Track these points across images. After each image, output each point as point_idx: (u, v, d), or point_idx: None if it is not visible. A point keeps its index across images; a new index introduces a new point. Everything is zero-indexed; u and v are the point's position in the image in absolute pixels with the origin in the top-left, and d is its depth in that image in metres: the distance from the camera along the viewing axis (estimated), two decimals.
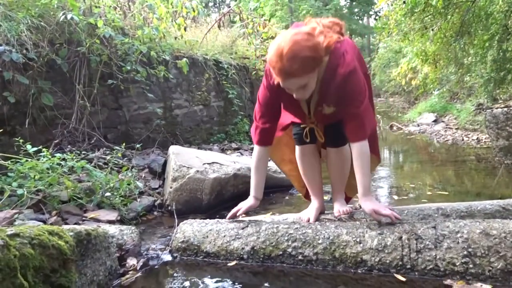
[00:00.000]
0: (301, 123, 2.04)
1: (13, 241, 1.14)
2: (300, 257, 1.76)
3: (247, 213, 2.17)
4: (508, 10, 4.79)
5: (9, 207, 2.15)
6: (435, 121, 7.94)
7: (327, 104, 1.83)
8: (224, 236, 1.92)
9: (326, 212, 2.19)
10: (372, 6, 26.34)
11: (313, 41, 1.59)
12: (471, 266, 1.52)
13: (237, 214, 2.00)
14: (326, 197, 2.51)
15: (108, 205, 2.51)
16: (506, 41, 4.94)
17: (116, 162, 3.12)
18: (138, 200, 2.75)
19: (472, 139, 5.76)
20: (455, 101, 8.72)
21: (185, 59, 4.33)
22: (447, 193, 3.12)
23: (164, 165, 3.33)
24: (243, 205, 2.00)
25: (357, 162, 1.81)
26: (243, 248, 1.85)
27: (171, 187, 2.74)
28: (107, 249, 1.65)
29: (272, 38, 6.05)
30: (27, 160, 2.39)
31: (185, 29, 4.87)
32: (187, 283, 1.67)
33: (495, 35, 5.04)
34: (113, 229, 1.97)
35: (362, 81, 1.82)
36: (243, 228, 1.92)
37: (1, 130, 2.81)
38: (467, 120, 6.69)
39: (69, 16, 3.28)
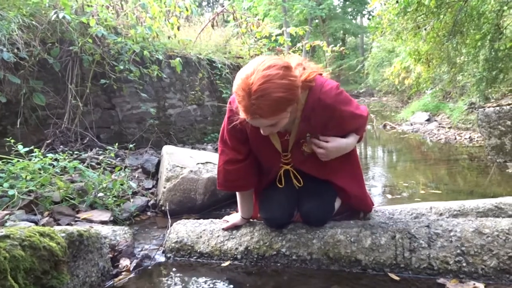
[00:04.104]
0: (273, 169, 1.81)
1: (4, 243, 1.13)
2: (294, 257, 1.76)
3: None
4: (500, 9, 4.83)
5: (0, 208, 2.12)
6: (428, 120, 7.97)
7: (311, 132, 1.63)
8: (218, 236, 1.91)
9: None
10: (365, 6, 26.44)
11: (288, 78, 1.36)
12: (464, 264, 1.53)
13: (221, 228, 1.93)
14: None
15: (101, 205, 2.49)
16: (498, 40, 4.97)
17: (109, 162, 3.10)
18: (131, 200, 2.73)
19: (465, 138, 5.80)
20: (447, 100, 8.76)
21: (178, 58, 4.31)
22: (440, 191, 3.14)
23: (158, 165, 3.31)
24: (230, 220, 1.95)
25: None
26: (237, 248, 1.84)
27: (164, 187, 2.73)
28: (100, 250, 1.64)
29: (266, 37, 6.04)
30: (18, 161, 2.36)
31: (178, 28, 4.84)
32: (180, 284, 1.66)
33: (487, 35, 5.08)
34: (106, 230, 1.96)
35: (354, 102, 1.63)
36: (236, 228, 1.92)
37: None
38: (460, 119, 6.73)
39: (61, 15, 3.25)
